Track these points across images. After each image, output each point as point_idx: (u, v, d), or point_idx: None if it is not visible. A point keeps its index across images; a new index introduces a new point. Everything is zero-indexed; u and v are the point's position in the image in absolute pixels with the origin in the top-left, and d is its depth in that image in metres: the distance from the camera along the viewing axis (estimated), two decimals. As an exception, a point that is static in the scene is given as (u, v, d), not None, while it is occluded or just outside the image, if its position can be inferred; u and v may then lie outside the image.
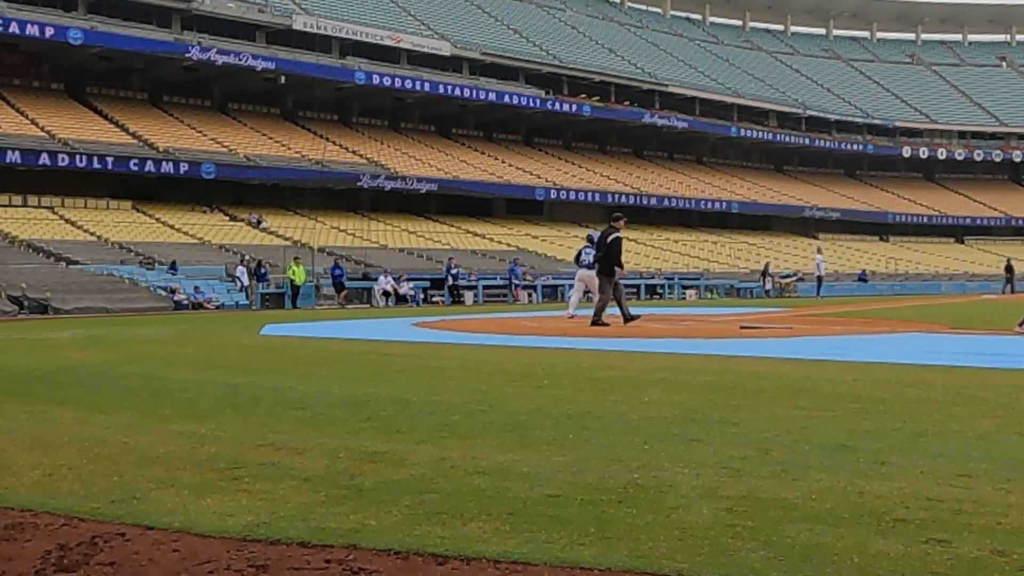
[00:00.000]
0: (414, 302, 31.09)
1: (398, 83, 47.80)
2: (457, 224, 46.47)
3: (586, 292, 18.02)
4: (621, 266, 15.03)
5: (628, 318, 14.90)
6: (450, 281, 32.76)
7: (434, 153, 50.44)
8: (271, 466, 4.11)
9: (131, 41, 40.03)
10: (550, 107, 54.04)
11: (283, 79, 44.71)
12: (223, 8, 44.47)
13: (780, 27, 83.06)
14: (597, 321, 14.49)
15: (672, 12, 78.82)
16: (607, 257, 14.91)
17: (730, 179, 63.06)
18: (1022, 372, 7.95)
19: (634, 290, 37.72)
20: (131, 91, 44.74)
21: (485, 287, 33.94)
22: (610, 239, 14.84)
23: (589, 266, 16.78)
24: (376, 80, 46.93)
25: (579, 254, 17.61)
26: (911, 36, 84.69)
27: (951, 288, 45.08)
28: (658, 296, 37.30)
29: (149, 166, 37.75)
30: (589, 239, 17.91)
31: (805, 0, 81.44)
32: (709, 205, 56.44)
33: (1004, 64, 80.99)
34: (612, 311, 16.07)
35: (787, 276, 41.81)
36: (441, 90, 49.36)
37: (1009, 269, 41.03)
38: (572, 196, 50.55)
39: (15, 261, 28.34)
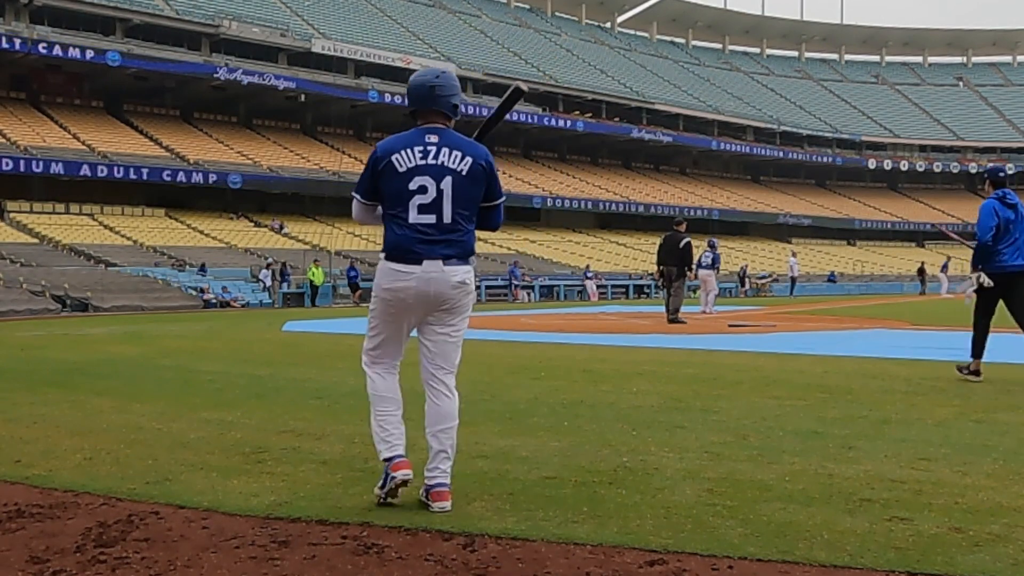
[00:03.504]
0: (422, 301, 30.99)
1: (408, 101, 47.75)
2: (461, 230, 46.34)
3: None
4: (691, 268, 14.83)
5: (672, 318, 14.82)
6: (455, 282, 32.66)
7: (441, 165, 50.30)
8: (292, 450, 4.11)
9: (164, 63, 39.96)
10: (546, 123, 53.97)
11: (303, 97, 44.64)
12: (248, 33, 44.43)
13: (757, 50, 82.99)
14: (674, 319, 14.28)
15: (658, 36, 78.74)
16: (683, 260, 14.64)
17: (711, 188, 62.98)
18: (977, 365, 7.94)
19: (623, 290, 37.75)
20: (164, 108, 44.67)
21: (487, 287, 33.86)
22: (683, 244, 14.64)
23: (708, 267, 17.51)
24: (388, 98, 46.85)
25: (700, 258, 17.46)
26: (876, 58, 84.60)
27: (912, 288, 44.95)
28: (645, 295, 37.27)
29: (180, 177, 37.74)
30: (711, 244, 18.11)
31: (780, 25, 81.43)
32: (692, 212, 56.14)
33: (961, 84, 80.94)
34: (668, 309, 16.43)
35: (763, 277, 41.74)
36: (447, 107, 49.28)
37: (921, 271, 40.57)
38: (566, 204, 50.50)
39: (58, 263, 28.32)
